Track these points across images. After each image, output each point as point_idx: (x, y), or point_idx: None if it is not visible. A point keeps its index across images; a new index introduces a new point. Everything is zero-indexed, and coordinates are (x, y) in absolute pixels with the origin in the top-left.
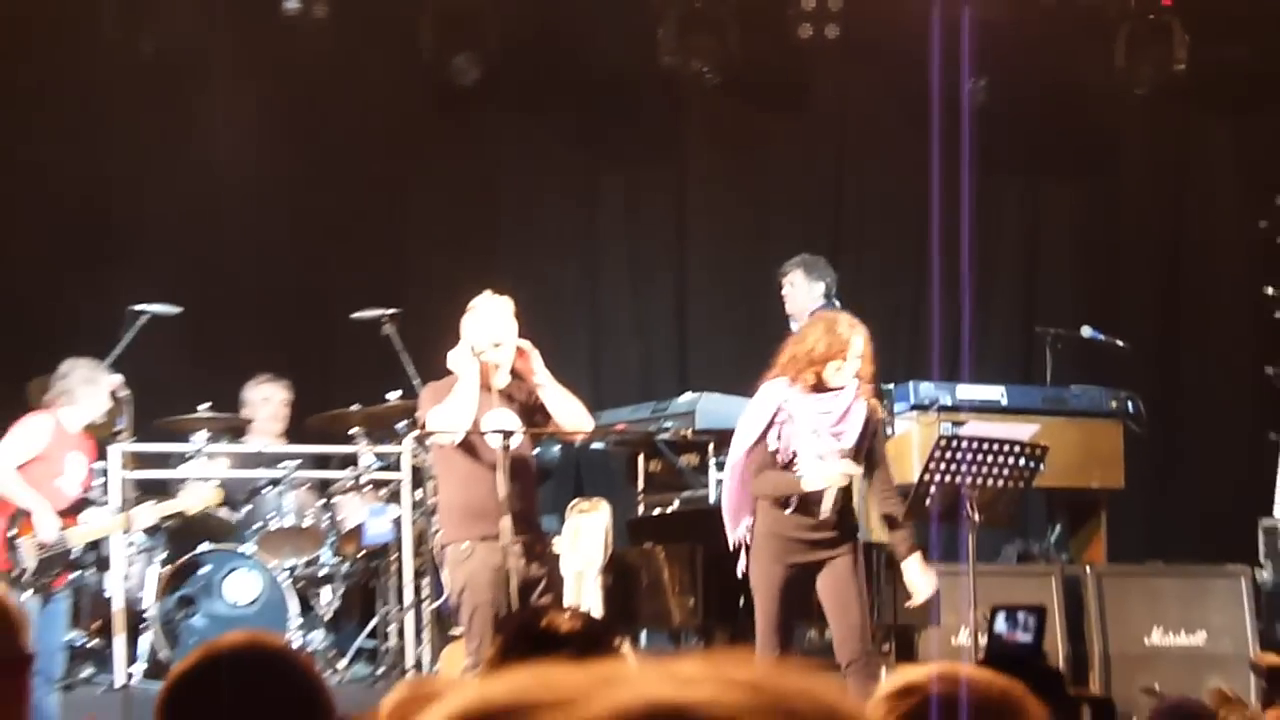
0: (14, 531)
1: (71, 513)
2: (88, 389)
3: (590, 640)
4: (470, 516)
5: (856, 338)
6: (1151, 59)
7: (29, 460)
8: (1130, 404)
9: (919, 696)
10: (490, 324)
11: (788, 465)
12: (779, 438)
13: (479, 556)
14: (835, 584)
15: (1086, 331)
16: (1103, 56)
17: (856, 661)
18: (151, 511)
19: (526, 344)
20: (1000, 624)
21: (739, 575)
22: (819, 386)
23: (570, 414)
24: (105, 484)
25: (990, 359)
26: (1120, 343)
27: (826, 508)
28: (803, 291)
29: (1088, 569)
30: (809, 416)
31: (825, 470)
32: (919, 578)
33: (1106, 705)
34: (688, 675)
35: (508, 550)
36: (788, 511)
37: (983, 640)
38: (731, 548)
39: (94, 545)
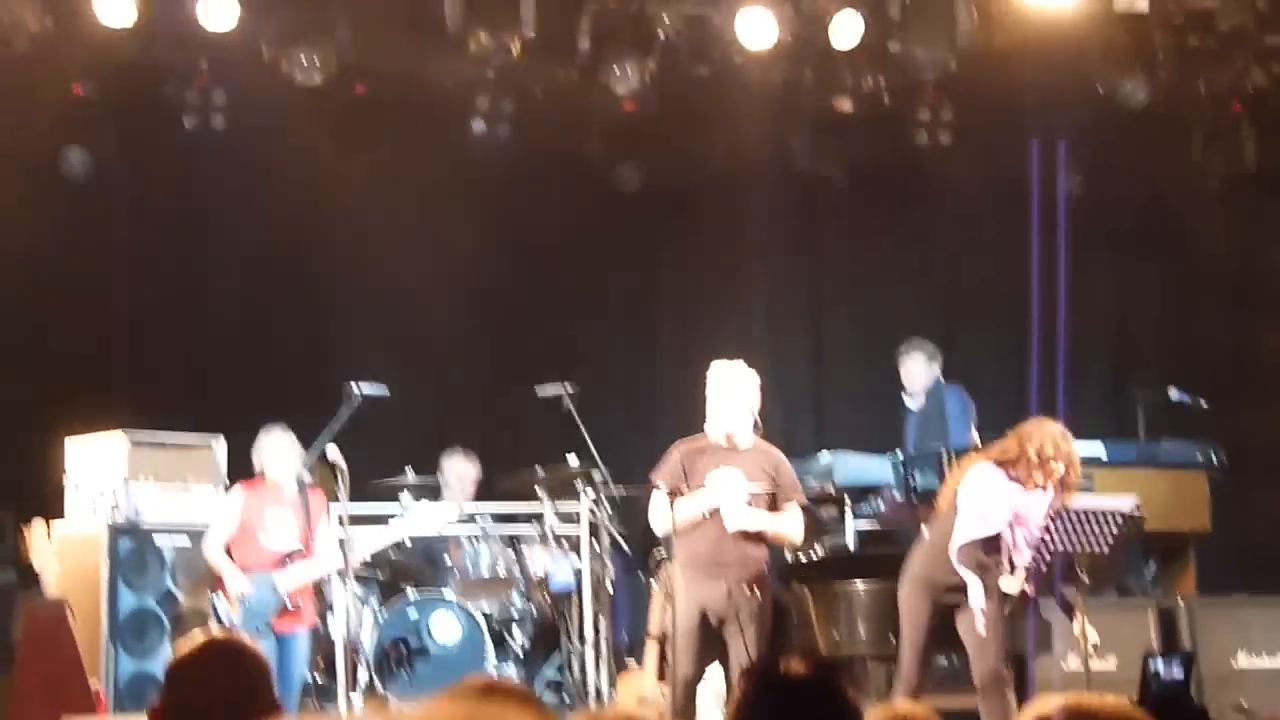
0: (215, 595)
1: (281, 562)
2: (276, 455)
3: (823, 684)
4: (686, 560)
5: (1071, 450)
6: (1223, 154)
7: (234, 530)
8: (1214, 455)
9: None
10: (719, 390)
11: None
12: (1009, 531)
13: (687, 592)
14: (972, 621)
15: (1174, 393)
16: (1181, 152)
17: (986, 681)
18: (385, 535)
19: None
20: (1156, 666)
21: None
22: (1028, 482)
23: (775, 524)
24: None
25: (1090, 417)
26: (1204, 403)
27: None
28: (922, 371)
29: (1180, 601)
30: (1034, 514)
31: (1013, 581)
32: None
33: None
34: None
35: (713, 589)
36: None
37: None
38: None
39: (319, 592)
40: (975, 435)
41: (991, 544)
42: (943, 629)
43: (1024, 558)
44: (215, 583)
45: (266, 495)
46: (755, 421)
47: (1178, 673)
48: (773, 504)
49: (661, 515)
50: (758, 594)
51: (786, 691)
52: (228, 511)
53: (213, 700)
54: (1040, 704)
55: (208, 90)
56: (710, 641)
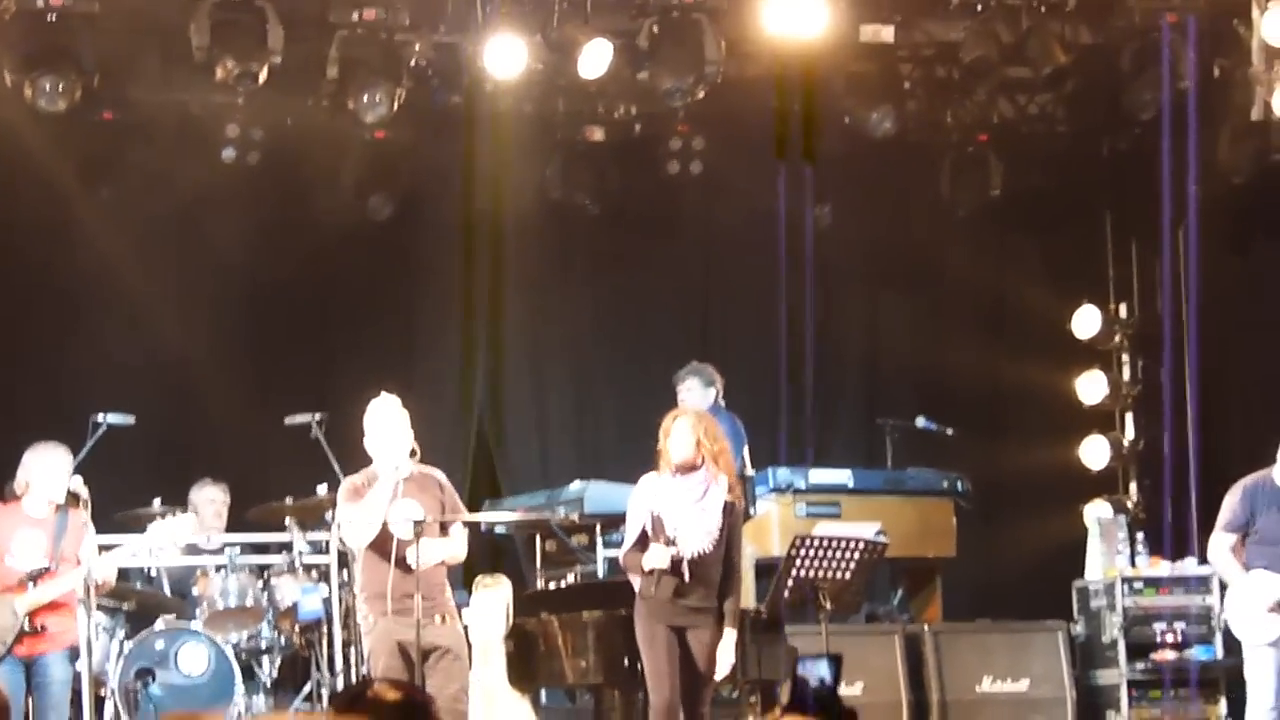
0: None
1: (24, 584)
2: (48, 472)
3: (410, 710)
4: (375, 595)
5: (681, 420)
6: (971, 186)
7: None
8: (959, 483)
9: None
10: (382, 425)
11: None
12: (651, 525)
13: (380, 629)
14: (696, 649)
15: (920, 422)
16: (930, 183)
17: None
18: (121, 554)
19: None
20: (803, 669)
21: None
22: (682, 469)
23: (453, 549)
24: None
25: (839, 447)
26: (949, 431)
27: (653, 584)
28: (697, 396)
29: (926, 627)
30: (675, 494)
31: (652, 554)
32: (725, 652)
33: None
34: None
35: (415, 623)
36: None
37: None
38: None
39: None
40: (746, 462)
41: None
42: (679, 652)
43: (676, 541)
44: None
45: (17, 516)
46: (413, 449)
47: (827, 675)
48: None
49: (352, 530)
50: (450, 621)
51: (376, 715)
52: None
53: None
54: None
55: None
56: (419, 675)
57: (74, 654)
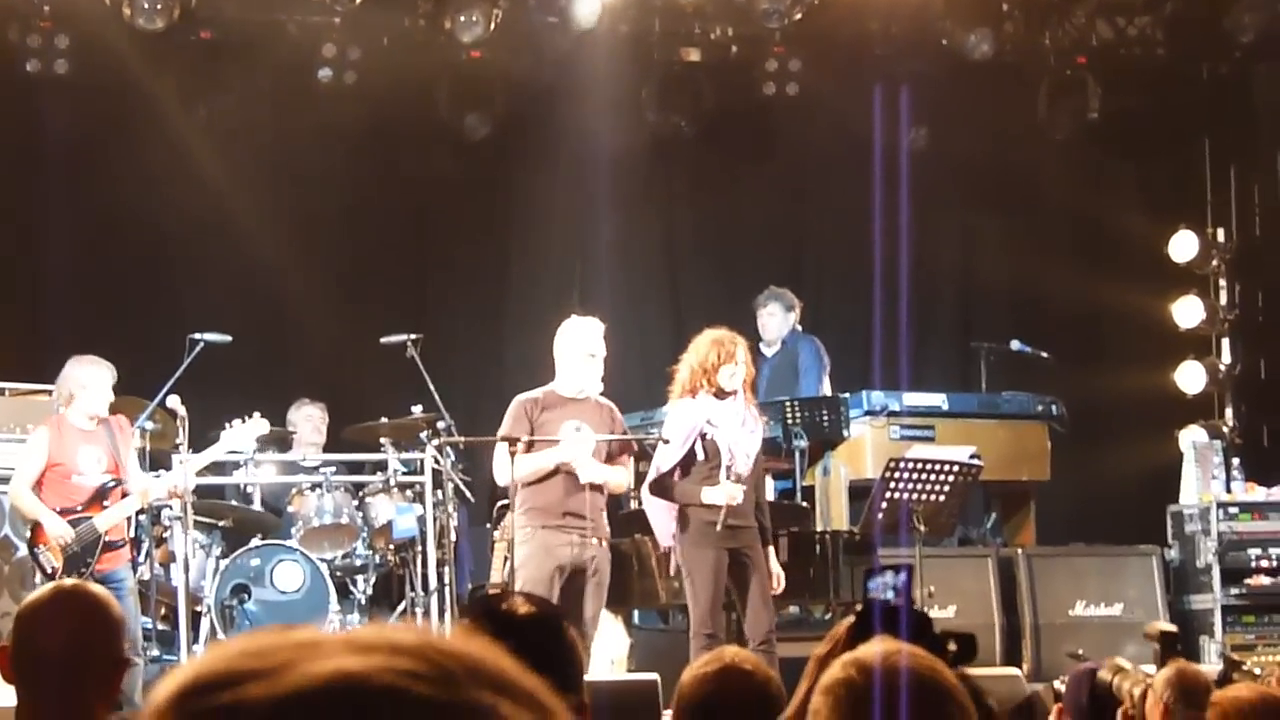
0: (37, 547)
1: (98, 500)
2: (94, 386)
3: (542, 624)
4: (538, 509)
5: (740, 348)
6: (1068, 109)
7: (42, 470)
8: (1054, 407)
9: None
10: (582, 346)
11: (714, 469)
12: (703, 449)
13: (538, 542)
14: (756, 567)
15: (1015, 345)
16: (1027, 106)
17: (764, 641)
18: (197, 461)
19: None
20: (872, 582)
21: (671, 572)
22: (719, 394)
23: (616, 477)
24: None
25: (933, 370)
26: (1044, 354)
27: (719, 521)
28: (779, 320)
29: (1019, 551)
30: (725, 416)
31: (722, 491)
32: (778, 567)
33: (969, 639)
34: (366, 643)
35: (571, 541)
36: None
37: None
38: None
39: (161, 541)
40: (827, 386)
41: (701, 466)
42: (730, 577)
43: (734, 466)
44: (34, 531)
45: (74, 432)
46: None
47: (893, 591)
48: (608, 454)
49: (505, 468)
50: (605, 543)
51: (507, 628)
52: (35, 451)
53: (57, 646)
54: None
55: (50, 34)
56: (561, 592)
57: (134, 564)
